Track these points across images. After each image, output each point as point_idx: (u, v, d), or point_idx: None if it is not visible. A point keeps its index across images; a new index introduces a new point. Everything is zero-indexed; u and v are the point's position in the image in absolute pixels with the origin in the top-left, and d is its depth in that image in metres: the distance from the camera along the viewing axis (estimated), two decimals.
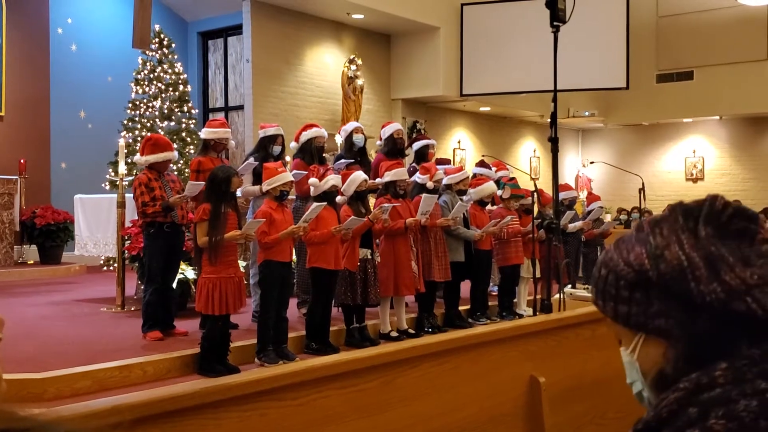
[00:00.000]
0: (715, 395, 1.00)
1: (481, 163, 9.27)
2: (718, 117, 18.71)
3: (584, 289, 7.64)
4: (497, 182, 8.48)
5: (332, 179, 6.48)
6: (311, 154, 7.36)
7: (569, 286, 7.80)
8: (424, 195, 7.11)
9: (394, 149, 7.95)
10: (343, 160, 7.65)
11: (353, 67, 14.05)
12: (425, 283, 7.24)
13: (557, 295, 6.26)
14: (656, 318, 1.10)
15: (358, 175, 6.72)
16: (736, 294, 1.03)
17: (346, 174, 6.77)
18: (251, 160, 7.20)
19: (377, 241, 6.99)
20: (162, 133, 9.94)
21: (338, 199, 6.67)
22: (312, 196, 6.48)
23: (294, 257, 7.05)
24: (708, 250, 1.05)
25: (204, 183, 6.13)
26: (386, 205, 6.70)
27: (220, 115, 13.72)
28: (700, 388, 1.02)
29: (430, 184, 7.37)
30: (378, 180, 7.28)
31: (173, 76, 11.23)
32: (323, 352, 5.95)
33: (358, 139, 7.92)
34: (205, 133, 7.07)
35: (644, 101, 18.46)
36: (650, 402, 1.15)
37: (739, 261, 1.04)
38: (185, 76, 11.60)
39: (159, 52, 11.21)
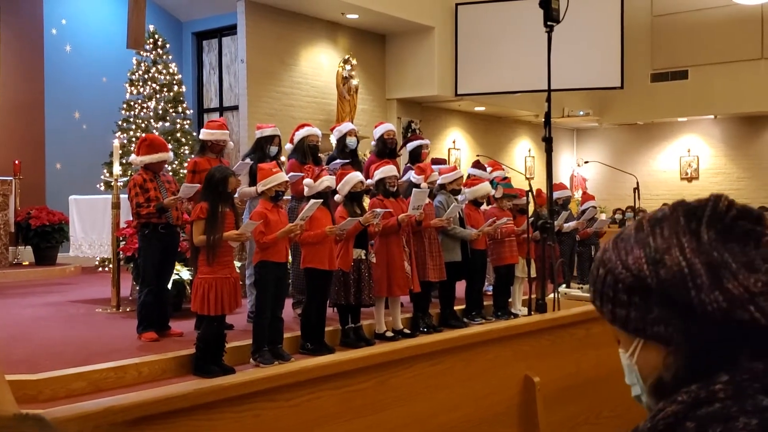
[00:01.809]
0: (714, 411, 0.96)
1: (476, 164, 9.28)
2: (712, 116, 18.74)
3: (579, 288, 7.65)
4: (491, 182, 8.48)
5: (327, 180, 6.47)
6: (304, 153, 7.35)
7: (564, 285, 7.81)
8: (414, 190, 7.10)
9: (384, 150, 7.95)
10: (338, 161, 7.64)
11: (348, 67, 14.04)
12: (420, 283, 7.24)
13: (552, 295, 6.27)
14: (655, 324, 1.05)
15: (354, 176, 6.72)
16: (739, 302, 0.98)
17: (342, 174, 6.77)
18: (247, 160, 7.19)
19: (372, 242, 6.99)
20: (157, 133, 9.93)
21: (336, 197, 6.68)
22: (306, 197, 6.47)
23: (290, 258, 7.04)
24: (710, 255, 1.00)
25: (199, 185, 6.13)
26: (378, 210, 6.69)
27: (215, 116, 13.69)
28: (698, 402, 0.98)
29: (424, 185, 7.37)
30: (368, 181, 7.28)
31: (168, 77, 11.23)
32: (318, 353, 5.94)
33: (351, 141, 7.91)
34: (203, 134, 7.06)
35: (639, 100, 18.48)
36: (649, 407, 1.10)
37: (742, 267, 0.99)
38: (180, 76, 11.60)
39: (153, 52, 11.21)
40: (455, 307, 7.98)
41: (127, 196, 6.77)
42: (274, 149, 7.31)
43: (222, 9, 13.45)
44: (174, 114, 11.23)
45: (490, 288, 8.81)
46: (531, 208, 7.96)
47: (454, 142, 17.30)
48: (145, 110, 11.01)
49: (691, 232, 1.03)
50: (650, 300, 1.05)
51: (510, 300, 8.55)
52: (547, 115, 5.91)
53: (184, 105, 11.40)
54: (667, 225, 1.06)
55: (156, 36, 11.28)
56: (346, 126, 8.10)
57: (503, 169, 9.28)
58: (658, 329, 1.05)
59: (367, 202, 7.24)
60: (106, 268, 8.95)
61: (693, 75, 18.01)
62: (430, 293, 7.75)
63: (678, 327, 1.03)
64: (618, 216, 14.56)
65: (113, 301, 7.82)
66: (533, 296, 6.80)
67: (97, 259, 9.47)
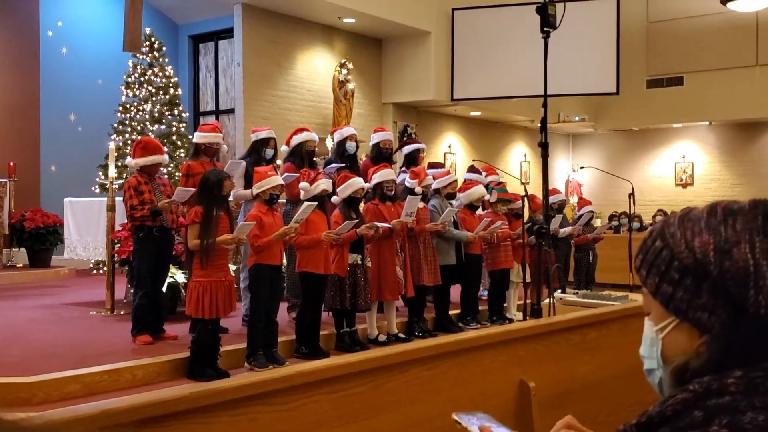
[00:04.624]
0: (722, 402, 0.98)
1: (472, 168, 9.29)
2: (707, 122, 18.80)
3: (574, 293, 7.66)
4: (486, 186, 8.49)
5: (323, 183, 6.47)
6: (302, 157, 7.35)
7: (559, 290, 7.81)
8: (408, 196, 7.11)
9: (379, 157, 7.95)
10: (334, 165, 7.65)
11: (344, 71, 14.05)
12: (415, 287, 7.23)
13: (547, 300, 6.27)
14: (700, 310, 1.06)
15: (357, 182, 6.71)
16: None
17: (346, 177, 6.76)
18: (242, 162, 7.18)
19: (368, 246, 6.98)
20: (152, 136, 9.92)
21: (333, 198, 6.67)
22: (302, 200, 6.47)
23: (284, 261, 7.03)
24: None
25: (193, 189, 6.12)
26: (377, 224, 6.69)
27: (211, 119, 13.69)
28: (709, 392, 1.00)
29: (418, 189, 7.37)
30: (366, 185, 7.27)
31: (164, 80, 11.22)
32: (313, 357, 5.94)
33: (350, 146, 7.91)
34: (196, 137, 7.05)
35: (634, 106, 18.53)
36: (661, 387, 1.13)
37: None
38: (176, 79, 11.60)
39: (150, 55, 11.21)
40: (450, 312, 7.97)
41: (122, 198, 6.76)
42: (269, 152, 7.31)
43: (218, 12, 13.45)
44: (170, 117, 11.23)
45: (485, 293, 8.81)
46: (526, 213, 7.97)
47: (449, 146, 17.31)
48: (140, 113, 11.00)
49: (765, 233, 1.04)
50: (703, 285, 1.06)
51: (505, 305, 8.55)
52: (543, 121, 5.92)
53: (180, 108, 11.40)
54: (741, 219, 1.06)
55: (152, 39, 11.28)
56: (347, 130, 8.09)
57: (497, 174, 9.28)
58: (701, 315, 1.07)
59: (362, 206, 7.24)
60: (101, 271, 8.94)
61: (688, 81, 18.07)
62: (425, 297, 7.74)
63: (722, 318, 1.05)
64: (614, 223, 14.48)
65: (107, 304, 7.80)
66: (528, 301, 6.80)
67: (92, 261, 9.45)
